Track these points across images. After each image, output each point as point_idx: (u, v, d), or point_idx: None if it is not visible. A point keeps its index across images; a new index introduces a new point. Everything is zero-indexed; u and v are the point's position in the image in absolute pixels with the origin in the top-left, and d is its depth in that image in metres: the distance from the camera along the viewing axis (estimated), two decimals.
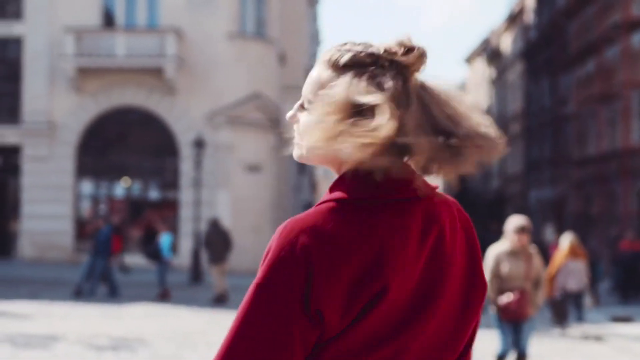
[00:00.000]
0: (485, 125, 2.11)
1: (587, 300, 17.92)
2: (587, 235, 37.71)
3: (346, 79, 1.99)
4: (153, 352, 12.80)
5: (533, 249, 10.22)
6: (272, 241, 1.96)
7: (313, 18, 49.03)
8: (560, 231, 31.25)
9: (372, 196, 2.00)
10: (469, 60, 78.51)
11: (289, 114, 2.13)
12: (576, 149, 44.20)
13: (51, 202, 32.58)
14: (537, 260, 10.08)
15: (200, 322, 17.06)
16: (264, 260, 1.95)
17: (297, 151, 2.12)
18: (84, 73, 32.37)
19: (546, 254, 25.33)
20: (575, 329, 17.53)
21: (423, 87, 2.05)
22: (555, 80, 48.47)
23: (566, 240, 17.65)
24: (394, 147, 1.97)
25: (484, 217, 55.91)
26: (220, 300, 20.78)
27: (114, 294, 21.45)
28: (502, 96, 65.02)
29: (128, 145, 33.19)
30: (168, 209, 33.00)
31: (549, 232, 41.04)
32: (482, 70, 72.80)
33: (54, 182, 32.66)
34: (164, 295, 21.22)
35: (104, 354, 12.50)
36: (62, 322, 16.15)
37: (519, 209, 53.43)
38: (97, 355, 12.35)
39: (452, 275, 2.08)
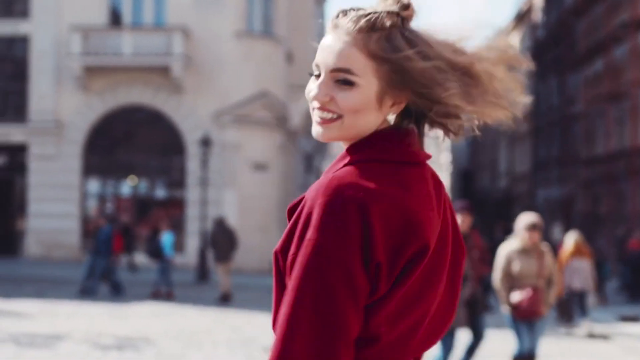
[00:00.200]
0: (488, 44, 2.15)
1: (591, 299, 17.81)
2: (594, 235, 37.57)
3: (410, 48, 2.01)
4: (158, 351, 12.72)
5: (545, 247, 10.07)
6: (312, 200, 1.93)
7: (321, 16, 48.85)
8: (568, 231, 31.12)
9: (397, 157, 2.05)
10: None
11: (322, 94, 2.05)
12: (584, 148, 44.06)
13: (58, 201, 32.57)
14: (549, 258, 9.91)
15: (206, 321, 16.98)
16: (303, 221, 1.92)
17: (334, 131, 2.06)
18: (91, 72, 32.33)
19: (554, 253, 25.20)
20: (582, 328, 17.42)
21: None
22: (563, 79, 48.34)
23: (571, 238, 17.56)
24: (407, 110, 2.10)
25: (491, 216, 55.84)
26: (225, 299, 20.71)
27: (117, 293, 21.38)
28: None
29: (135, 143, 33.15)
30: (175, 207, 32.96)
31: (556, 232, 40.90)
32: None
33: (61, 180, 32.64)
34: (168, 294, 21.14)
35: (109, 353, 12.43)
36: (67, 321, 16.08)
37: (526, 208, 53.30)
38: (102, 355, 12.27)
39: (449, 239, 2.14)
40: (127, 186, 33.85)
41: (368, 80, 2.01)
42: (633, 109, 37.09)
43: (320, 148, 48.43)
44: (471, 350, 10.64)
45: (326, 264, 1.87)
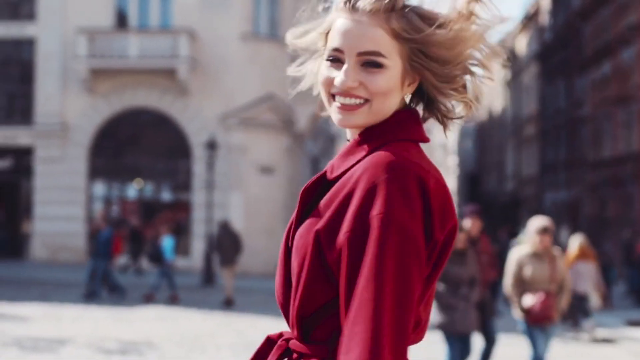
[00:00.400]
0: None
1: (594, 302, 17.69)
2: (601, 238, 37.42)
3: (428, 27, 2.02)
4: (161, 355, 12.65)
5: (557, 251, 9.92)
6: (372, 175, 1.90)
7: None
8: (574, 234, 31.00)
9: (420, 137, 2.07)
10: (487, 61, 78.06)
11: (351, 80, 2.01)
12: (591, 152, 43.92)
13: (63, 204, 32.53)
14: (561, 262, 9.75)
15: (210, 324, 16.91)
16: (361, 197, 1.89)
17: (360, 117, 2.04)
18: (97, 74, 32.30)
19: None
20: (585, 332, 17.32)
21: None
22: (570, 82, 48.20)
23: (575, 241, 17.48)
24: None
25: (498, 219, 55.75)
26: (228, 304, 20.61)
27: (118, 295, 21.29)
28: (517, 98, 64.74)
29: (140, 146, 33.11)
30: (180, 210, 32.91)
31: (563, 235, 40.78)
32: (497, 72, 72.45)
33: (67, 183, 32.61)
34: (149, 298, 20.98)
35: (112, 357, 12.36)
36: (71, 325, 16.03)
37: (533, 211, 53.20)
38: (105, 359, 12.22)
39: None
40: (133, 189, 33.82)
41: (394, 61, 2.01)
42: None
43: (327, 151, 48.38)
44: (486, 355, 10.57)
45: (403, 241, 1.84)
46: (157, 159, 32.96)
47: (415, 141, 2.05)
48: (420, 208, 1.88)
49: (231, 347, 13.72)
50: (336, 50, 2.03)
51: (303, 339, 2.04)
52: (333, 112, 2.07)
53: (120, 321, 16.99)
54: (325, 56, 2.08)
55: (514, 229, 42.76)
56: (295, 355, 2.04)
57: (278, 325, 2.41)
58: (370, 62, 2.00)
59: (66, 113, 32.83)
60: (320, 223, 1.94)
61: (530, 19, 61.02)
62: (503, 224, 49.23)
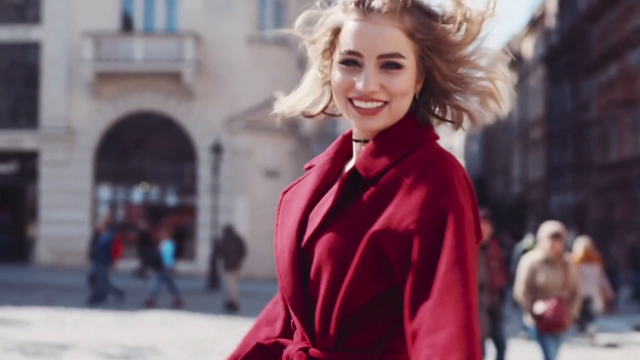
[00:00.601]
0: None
1: (597, 305, 17.59)
2: (608, 242, 37.30)
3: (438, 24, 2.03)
4: None
5: (568, 257, 9.79)
6: (441, 170, 1.92)
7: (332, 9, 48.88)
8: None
9: (437, 137, 2.11)
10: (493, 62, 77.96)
11: (373, 84, 1.99)
12: (598, 155, 43.79)
13: (69, 208, 32.51)
14: (573, 268, 9.61)
15: (214, 329, 16.86)
16: (430, 189, 1.90)
17: (381, 120, 2.03)
18: (102, 78, 32.28)
19: None
20: (588, 335, 17.23)
21: None
22: (576, 85, 48.09)
23: (580, 244, 17.40)
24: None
25: (505, 223, 55.59)
26: (231, 308, 20.55)
27: (97, 301, 21.20)
28: (523, 101, 64.63)
29: (146, 150, 33.08)
30: (186, 214, 32.86)
31: (570, 239, 40.66)
32: (506, 74, 72.28)
33: (72, 187, 32.59)
34: (150, 303, 20.90)
35: None
36: (74, 329, 15.98)
37: (540, 215, 53.04)
38: None
39: None
40: (139, 193, 33.79)
41: (411, 60, 2.00)
42: None
43: None
44: None
45: (472, 230, 1.91)
46: (162, 162, 32.92)
47: (436, 139, 2.08)
48: (474, 202, 1.97)
49: None
50: (353, 53, 2.00)
51: (335, 347, 1.99)
52: (352, 117, 2.04)
53: (124, 326, 16.94)
54: (338, 59, 2.05)
55: (519, 232, 42.65)
56: None
57: None
58: (390, 64, 1.99)
59: (72, 117, 32.81)
60: (383, 217, 1.91)
61: (536, 22, 60.92)
62: (509, 228, 49.08)
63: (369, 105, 2.00)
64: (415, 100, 2.11)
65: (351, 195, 2.01)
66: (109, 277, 21.85)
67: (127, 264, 30.12)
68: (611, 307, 18.65)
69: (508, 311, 20.03)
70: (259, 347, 2.16)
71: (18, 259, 33.18)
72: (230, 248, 21.06)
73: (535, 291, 9.45)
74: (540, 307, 9.36)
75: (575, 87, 48.36)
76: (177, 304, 20.92)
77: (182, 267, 30.45)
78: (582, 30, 46.57)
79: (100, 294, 21.28)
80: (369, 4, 2.00)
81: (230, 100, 32.11)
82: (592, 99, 45.14)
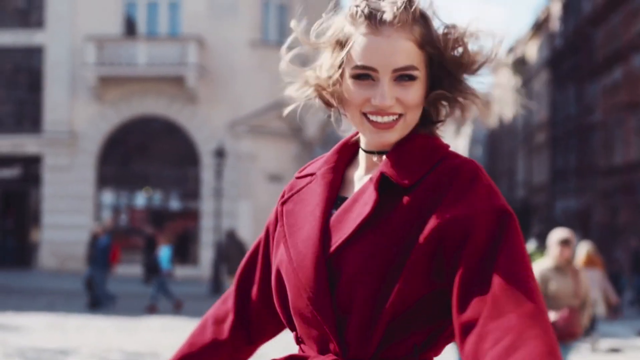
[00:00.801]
0: None
1: (599, 310, 17.45)
2: (612, 246, 37.17)
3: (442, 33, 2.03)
4: None
5: (579, 264, 9.57)
6: (473, 172, 1.96)
7: (335, 16, 48.89)
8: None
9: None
10: (494, 68, 77.96)
11: (390, 98, 1.97)
12: (602, 159, 43.68)
13: (72, 212, 32.44)
14: (584, 276, 9.39)
15: None
16: (466, 194, 1.92)
17: (397, 133, 2.02)
18: (105, 82, 32.23)
19: None
20: (593, 342, 17.11)
21: None
22: (581, 88, 47.98)
23: (583, 249, 17.28)
24: None
25: None
26: None
27: (97, 305, 21.12)
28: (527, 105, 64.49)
29: (149, 154, 33.01)
30: (189, 219, 32.79)
31: (574, 243, 40.51)
32: (508, 79, 72.33)
33: (75, 192, 32.52)
34: (152, 309, 20.82)
35: None
36: (76, 335, 15.90)
37: (544, 219, 52.93)
38: None
39: None
40: (142, 197, 33.72)
41: (422, 71, 2.00)
42: None
43: None
44: None
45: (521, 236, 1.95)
46: (165, 167, 32.85)
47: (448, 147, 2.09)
48: None
49: None
50: (367, 68, 1.97)
51: (372, 358, 1.95)
52: (367, 130, 2.02)
53: (125, 331, 16.85)
54: (350, 73, 2.01)
55: (524, 237, 42.54)
56: None
57: (286, 336, 2.32)
58: (404, 76, 1.97)
59: (74, 121, 32.75)
60: (434, 221, 1.90)
61: (540, 26, 60.84)
62: None
63: (385, 119, 1.99)
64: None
65: (384, 204, 1.98)
66: (102, 282, 21.72)
67: (133, 269, 30.04)
68: (615, 312, 18.50)
69: None
70: None
71: (21, 263, 33.13)
72: (233, 253, 20.99)
73: (545, 300, 9.20)
74: (551, 316, 9.15)
75: (580, 91, 48.26)
76: (178, 307, 20.83)
77: (185, 271, 30.40)
78: (587, 33, 46.48)
79: (99, 298, 21.19)
80: (381, 17, 1.96)
81: (233, 105, 32.04)
82: (596, 103, 45.03)
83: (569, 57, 50.91)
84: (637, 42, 37.98)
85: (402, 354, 1.95)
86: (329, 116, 2.23)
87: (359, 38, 1.99)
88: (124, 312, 20.35)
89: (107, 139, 32.79)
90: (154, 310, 20.65)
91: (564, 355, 9.28)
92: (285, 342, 2.26)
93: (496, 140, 79.59)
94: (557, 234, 9.39)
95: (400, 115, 1.99)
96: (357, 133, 2.15)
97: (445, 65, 2.02)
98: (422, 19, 2.00)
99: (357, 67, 1.98)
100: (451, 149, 2.08)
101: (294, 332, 2.12)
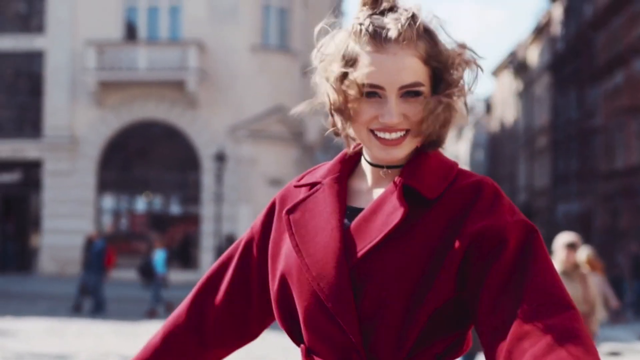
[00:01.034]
0: None
1: (600, 315, 17.36)
2: (614, 250, 37.09)
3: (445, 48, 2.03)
4: None
5: (586, 269, 9.36)
6: (492, 186, 2.00)
7: (339, 30, 48.90)
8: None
9: None
10: (496, 73, 78.06)
11: (397, 116, 1.98)
12: (604, 162, 43.60)
13: (72, 217, 32.39)
14: (591, 280, 9.18)
15: None
16: (500, 201, 1.98)
17: (405, 148, 2.03)
18: (106, 87, 32.21)
19: None
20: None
21: None
22: (582, 92, 47.91)
23: (583, 253, 17.21)
24: None
25: None
26: None
27: (98, 310, 21.08)
28: (528, 109, 64.49)
29: (149, 159, 32.98)
30: (189, 223, 32.74)
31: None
32: (509, 83, 72.34)
33: (75, 196, 32.48)
34: (152, 314, 20.76)
35: None
36: (75, 340, 15.86)
37: (546, 223, 52.83)
38: None
39: None
40: (142, 202, 33.69)
41: (428, 86, 2.00)
42: None
43: None
44: None
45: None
46: (166, 171, 32.82)
47: None
48: None
49: None
50: (374, 86, 1.97)
51: None
52: (374, 147, 2.02)
53: (124, 336, 16.80)
54: (354, 91, 1.99)
55: None
56: None
57: (286, 340, 2.29)
58: (411, 92, 1.97)
59: (75, 126, 32.73)
60: (464, 232, 1.93)
61: (541, 30, 60.80)
62: None
63: (393, 135, 1.99)
64: None
65: (409, 215, 1.99)
66: (101, 288, 21.65)
67: (134, 273, 29.99)
68: (617, 316, 18.45)
69: None
70: None
71: (21, 268, 33.09)
72: None
73: None
74: None
75: (581, 95, 48.19)
76: (152, 315, 20.71)
77: (186, 276, 30.32)
78: (588, 37, 46.42)
79: (100, 303, 21.15)
80: (385, 35, 1.96)
81: (234, 109, 32.01)
82: (597, 107, 44.96)
83: (570, 61, 50.85)
84: (639, 46, 37.92)
85: None
86: (336, 134, 2.20)
87: (364, 56, 1.98)
88: (123, 317, 20.30)
89: (107, 144, 32.77)
90: (153, 315, 20.59)
91: None
92: (282, 347, 2.21)
93: (497, 144, 79.55)
94: (563, 238, 9.22)
95: (407, 131, 1.99)
96: (360, 144, 2.14)
97: (441, 84, 2.02)
98: (426, 34, 1.99)
99: (362, 85, 1.98)
100: (446, 150, 2.12)
101: (302, 345, 2.08)
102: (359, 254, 1.96)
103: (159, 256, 21.63)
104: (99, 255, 21.26)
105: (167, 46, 32.59)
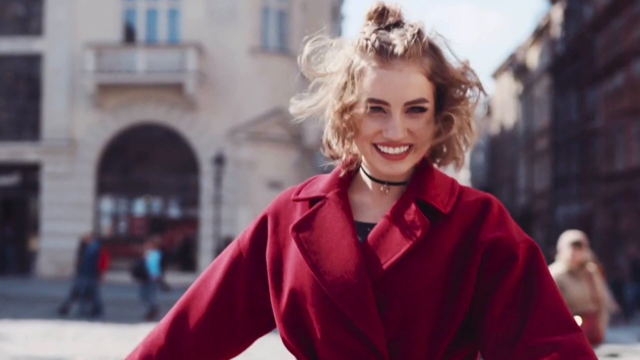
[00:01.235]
0: None
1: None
2: (614, 253, 37.03)
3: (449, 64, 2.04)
4: None
5: (592, 267, 9.15)
6: (498, 209, 2.03)
7: (338, 34, 48.88)
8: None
9: None
10: (495, 75, 78.04)
11: (402, 132, 1.98)
12: (604, 164, 43.55)
13: (71, 220, 32.29)
14: (598, 279, 8.96)
15: None
16: (508, 218, 2.03)
17: (409, 163, 2.04)
18: (104, 89, 32.14)
19: None
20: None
21: None
22: (582, 94, 47.89)
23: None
24: None
25: None
26: None
27: (96, 314, 21.00)
28: (528, 111, 64.45)
29: (148, 162, 32.91)
30: (189, 226, 32.68)
31: None
32: (509, 86, 72.32)
33: (74, 199, 32.41)
34: (152, 315, 20.69)
35: None
36: (73, 343, 15.79)
37: (546, 225, 52.76)
38: None
39: None
40: (141, 205, 33.60)
41: (432, 102, 2.01)
42: None
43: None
44: None
45: None
46: (165, 174, 32.75)
47: None
48: None
49: None
50: (379, 102, 1.97)
51: None
52: (377, 161, 2.02)
53: (123, 339, 16.71)
54: (363, 107, 2.00)
55: None
56: None
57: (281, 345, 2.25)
58: (415, 108, 1.98)
59: (74, 129, 32.66)
60: (480, 243, 1.97)
61: (541, 32, 60.78)
62: None
63: (397, 150, 2.00)
64: None
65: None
66: (98, 291, 21.55)
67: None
68: (617, 319, 18.40)
69: None
70: None
71: (20, 271, 33.03)
72: None
73: None
74: (578, 320, 8.71)
75: (581, 97, 48.16)
76: (151, 316, 20.65)
77: (185, 279, 30.24)
78: (588, 39, 46.39)
79: (98, 306, 21.08)
80: (392, 50, 1.97)
81: (233, 111, 31.95)
82: (598, 109, 44.93)
83: (570, 63, 50.82)
84: (638, 48, 37.88)
85: None
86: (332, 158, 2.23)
87: (369, 72, 1.98)
88: (122, 320, 20.22)
89: (106, 147, 32.70)
90: (153, 318, 20.53)
91: None
92: (280, 349, 2.16)
93: (497, 147, 79.50)
94: (568, 236, 8.99)
95: (410, 145, 2.00)
96: (354, 157, 2.14)
97: (446, 100, 2.03)
98: (432, 50, 2.00)
99: (367, 100, 1.98)
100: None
101: None
102: (382, 268, 1.96)
103: (152, 258, 21.55)
104: (92, 258, 21.19)
105: (166, 49, 32.53)
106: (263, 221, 2.18)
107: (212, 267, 2.23)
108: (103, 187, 32.94)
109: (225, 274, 2.19)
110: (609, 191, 42.48)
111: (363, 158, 2.09)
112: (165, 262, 27.37)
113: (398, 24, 2.02)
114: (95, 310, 21.12)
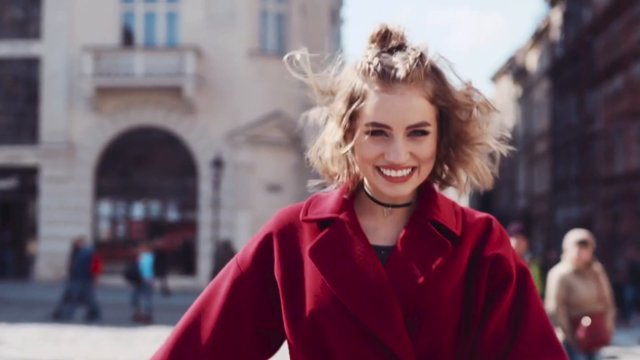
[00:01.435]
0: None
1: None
2: (614, 256, 36.97)
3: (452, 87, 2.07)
4: None
5: (598, 267, 9.04)
6: (499, 229, 2.09)
7: (337, 37, 48.71)
8: None
9: None
10: (495, 78, 78.02)
11: (404, 155, 1.99)
12: (604, 167, 43.51)
13: (69, 224, 32.22)
14: (604, 278, 8.83)
15: None
16: (502, 243, 2.08)
17: (411, 185, 2.04)
18: (103, 93, 32.08)
19: None
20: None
21: None
22: (582, 97, 47.85)
23: None
24: None
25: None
26: None
27: (93, 317, 20.94)
28: (528, 114, 64.43)
29: (147, 165, 32.85)
30: (187, 229, 32.61)
31: None
32: (508, 89, 72.30)
33: (72, 203, 32.34)
34: (145, 319, 20.60)
35: None
36: (70, 346, 15.73)
37: (546, 228, 52.70)
38: None
39: None
40: (140, 208, 33.54)
41: (434, 125, 2.02)
42: None
43: None
44: None
45: None
46: (163, 177, 32.68)
47: None
48: None
49: None
50: (382, 126, 1.98)
51: None
52: (380, 183, 2.02)
53: (120, 343, 16.66)
54: (363, 129, 2.01)
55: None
56: None
57: (282, 347, 2.19)
58: (418, 131, 1.99)
59: (72, 132, 32.60)
60: (484, 268, 2.03)
61: (541, 35, 60.77)
62: None
63: (399, 173, 2.00)
64: None
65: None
66: (93, 294, 21.48)
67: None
68: (617, 322, 18.27)
69: None
70: None
71: (18, 275, 32.96)
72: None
73: (568, 307, 8.65)
74: (585, 323, 8.57)
75: (581, 100, 48.12)
76: (145, 320, 20.58)
77: (184, 282, 30.21)
78: (587, 42, 46.37)
79: (95, 309, 21.02)
80: (394, 75, 1.97)
81: (231, 115, 31.89)
82: (597, 111, 44.89)
83: (569, 66, 50.79)
84: (638, 50, 37.84)
85: None
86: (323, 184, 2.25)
87: (372, 96, 1.99)
88: (119, 324, 20.16)
89: (104, 150, 32.64)
90: (149, 321, 20.46)
91: None
92: (282, 351, 2.10)
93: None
94: (574, 235, 8.87)
95: (413, 168, 2.00)
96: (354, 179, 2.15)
97: (450, 123, 2.06)
98: (434, 73, 2.01)
99: (370, 124, 1.99)
100: None
101: None
102: (409, 290, 1.98)
103: (145, 260, 21.50)
104: (85, 262, 21.13)
105: (164, 52, 32.48)
106: (267, 240, 2.13)
107: (210, 291, 2.17)
108: (101, 191, 32.88)
109: (228, 296, 2.13)
110: (609, 194, 42.44)
111: (365, 180, 2.09)
112: (164, 266, 27.38)
113: (401, 47, 2.03)
114: (93, 314, 21.06)
